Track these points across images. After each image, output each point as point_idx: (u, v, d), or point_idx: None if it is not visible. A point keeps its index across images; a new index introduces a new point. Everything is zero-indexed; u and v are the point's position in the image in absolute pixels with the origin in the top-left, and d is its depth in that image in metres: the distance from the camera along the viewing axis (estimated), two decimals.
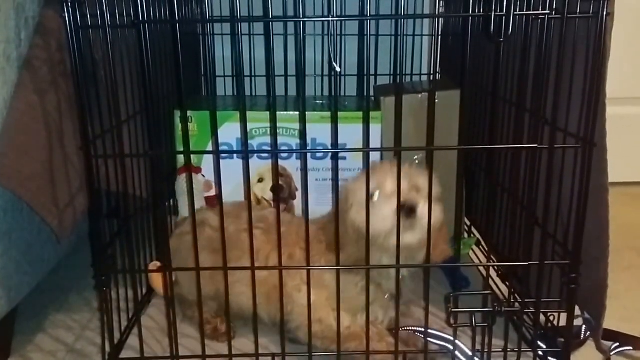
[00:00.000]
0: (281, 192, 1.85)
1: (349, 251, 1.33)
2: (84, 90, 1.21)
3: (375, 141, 1.79)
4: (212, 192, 1.85)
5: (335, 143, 1.27)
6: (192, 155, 1.80)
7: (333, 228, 1.31)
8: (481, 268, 1.74)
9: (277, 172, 1.77)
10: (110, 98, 1.27)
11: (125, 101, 1.43)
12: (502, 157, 1.62)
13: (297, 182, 1.87)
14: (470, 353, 1.33)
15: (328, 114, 1.81)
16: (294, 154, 1.84)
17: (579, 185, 1.26)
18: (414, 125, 1.80)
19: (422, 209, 1.28)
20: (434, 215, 1.26)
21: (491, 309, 1.29)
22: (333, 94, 1.23)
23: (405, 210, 1.27)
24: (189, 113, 1.80)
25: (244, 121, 1.20)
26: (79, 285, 1.81)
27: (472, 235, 1.92)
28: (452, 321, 1.31)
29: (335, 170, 1.74)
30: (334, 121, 1.21)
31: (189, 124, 1.80)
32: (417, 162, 1.68)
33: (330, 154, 1.83)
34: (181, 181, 1.80)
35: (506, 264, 1.49)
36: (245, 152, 1.23)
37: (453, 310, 1.30)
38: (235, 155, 1.82)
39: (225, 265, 1.26)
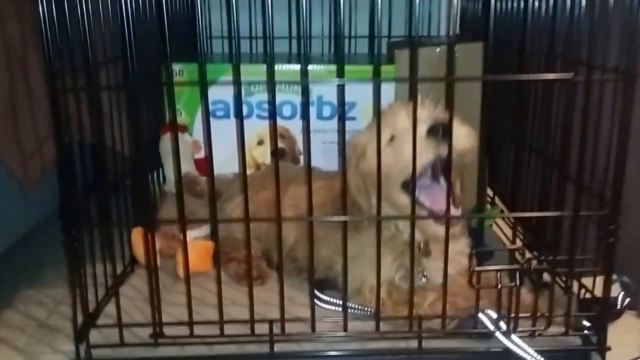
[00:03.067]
0: (283, 157, 1.76)
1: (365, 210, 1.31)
2: (51, 14, 1.11)
3: (388, 98, 1.70)
4: (202, 154, 1.76)
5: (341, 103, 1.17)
6: (181, 113, 1.72)
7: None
8: (507, 241, 1.64)
9: (275, 133, 1.67)
10: (81, 27, 1.17)
11: (101, 28, 1.33)
12: (530, 116, 1.54)
13: (301, 144, 1.78)
14: (495, 317, 1.22)
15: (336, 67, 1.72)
16: (298, 113, 1.75)
17: (619, 125, 1.17)
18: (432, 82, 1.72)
19: (457, 128, 1.22)
20: (468, 138, 1.25)
21: (519, 267, 1.19)
22: (338, 35, 1.14)
23: (438, 131, 1.20)
24: (179, 66, 1.72)
25: (237, 74, 1.10)
26: (54, 260, 1.70)
27: (495, 206, 1.82)
28: (474, 281, 1.21)
29: (342, 132, 1.63)
30: (340, 73, 1.12)
31: (179, 78, 1.72)
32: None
33: (337, 113, 1.74)
34: (165, 141, 1.71)
35: (534, 213, 1.36)
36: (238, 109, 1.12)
37: (476, 269, 1.20)
38: (231, 114, 1.74)
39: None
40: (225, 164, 1.67)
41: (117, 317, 1.24)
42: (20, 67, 1.26)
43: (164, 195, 1.76)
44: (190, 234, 1.57)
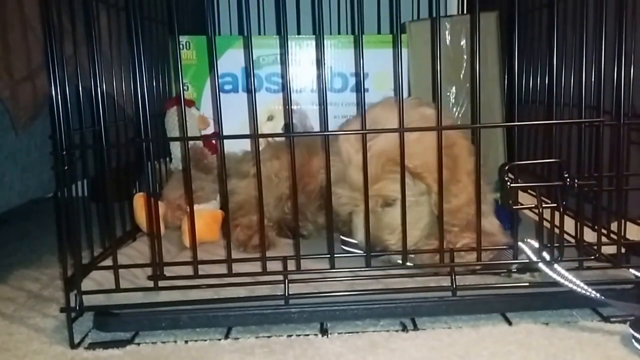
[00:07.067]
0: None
1: None
2: None
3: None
4: (210, 130, 1.62)
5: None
6: (188, 87, 1.61)
7: None
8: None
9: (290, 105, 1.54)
10: None
11: None
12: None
13: (314, 119, 1.65)
14: (537, 246, 1.05)
15: (348, 37, 1.62)
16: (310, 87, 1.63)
17: None
18: (443, 54, 1.62)
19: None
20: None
21: (561, 182, 1.03)
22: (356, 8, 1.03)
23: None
24: (186, 38, 1.61)
25: (248, 47, 0.98)
26: (55, 249, 1.60)
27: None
28: (511, 202, 1.05)
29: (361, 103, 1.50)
30: (358, 43, 1.01)
31: (186, 50, 1.62)
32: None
33: (351, 86, 1.62)
34: (171, 115, 1.57)
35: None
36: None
37: (512, 185, 1.04)
38: (240, 87, 1.62)
39: None
40: (233, 140, 1.54)
41: (112, 261, 1.08)
42: None
43: (169, 174, 1.62)
44: (198, 207, 1.43)
